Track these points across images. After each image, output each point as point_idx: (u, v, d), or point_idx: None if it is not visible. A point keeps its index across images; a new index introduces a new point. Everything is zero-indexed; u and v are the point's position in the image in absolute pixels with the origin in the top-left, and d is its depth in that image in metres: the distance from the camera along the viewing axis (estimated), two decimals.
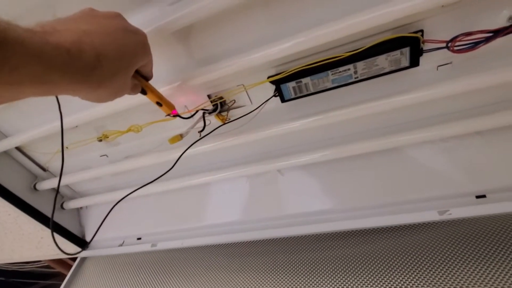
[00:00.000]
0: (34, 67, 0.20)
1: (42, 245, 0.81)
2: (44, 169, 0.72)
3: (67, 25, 0.25)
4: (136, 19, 0.39)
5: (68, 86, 0.24)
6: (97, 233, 0.50)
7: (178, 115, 0.42)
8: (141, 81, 0.35)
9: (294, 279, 0.51)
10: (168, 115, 0.40)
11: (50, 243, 0.79)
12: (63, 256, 0.88)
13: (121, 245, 0.76)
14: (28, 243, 0.81)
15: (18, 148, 0.68)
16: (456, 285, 0.41)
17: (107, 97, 0.29)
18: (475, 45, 0.36)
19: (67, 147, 0.63)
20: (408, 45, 0.38)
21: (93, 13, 0.29)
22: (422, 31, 0.38)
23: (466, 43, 0.36)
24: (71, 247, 0.79)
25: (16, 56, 0.19)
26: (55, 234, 0.74)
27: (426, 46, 0.39)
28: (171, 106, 0.39)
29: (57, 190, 0.51)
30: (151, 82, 0.38)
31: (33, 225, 0.72)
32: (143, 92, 0.37)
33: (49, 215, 0.73)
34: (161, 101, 0.38)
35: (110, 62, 0.26)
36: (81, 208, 0.82)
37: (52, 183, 0.71)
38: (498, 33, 0.35)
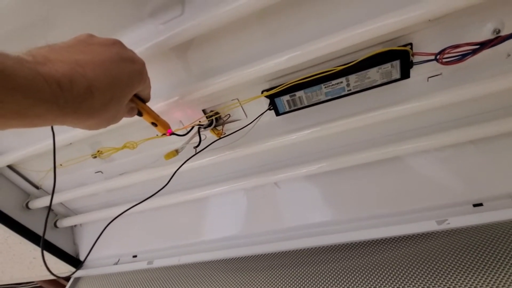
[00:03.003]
0: (20, 101, 0.19)
1: (34, 266, 0.79)
2: (37, 187, 0.71)
3: (60, 54, 0.24)
4: (129, 38, 0.40)
5: (56, 118, 0.23)
6: (91, 251, 0.49)
7: (174, 133, 0.42)
8: (137, 103, 0.35)
9: None
10: (164, 134, 0.40)
11: (42, 263, 0.77)
12: (54, 277, 0.85)
13: (116, 263, 0.74)
14: (19, 264, 0.78)
15: (10, 167, 0.67)
16: None
17: (98, 126, 0.28)
18: (462, 57, 0.37)
19: (61, 165, 0.62)
20: (398, 58, 0.39)
21: (89, 40, 0.28)
22: (411, 44, 0.39)
23: (454, 55, 0.37)
24: (64, 267, 0.77)
25: (0, 90, 0.18)
26: (47, 253, 0.72)
27: (415, 59, 0.40)
28: (166, 126, 0.39)
29: (49, 208, 0.50)
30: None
31: (24, 245, 0.70)
32: (139, 113, 0.37)
33: (42, 234, 0.71)
34: (156, 122, 0.38)
35: (102, 93, 0.25)
36: (75, 226, 0.80)
37: (45, 201, 0.69)
38: (484, 45, 0.36)
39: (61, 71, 0.22)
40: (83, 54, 0.25)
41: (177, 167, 0.48)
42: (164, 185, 0.46)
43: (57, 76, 0.22)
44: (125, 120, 0.48)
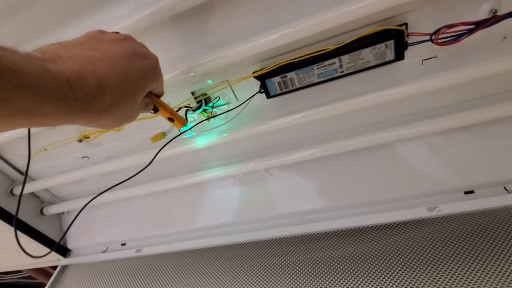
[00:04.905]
0: (27, 98, 0.18)
1: (20, 253, 0.77)
2: (22, 173, 0.69)
3: (70, 51, 0.23)
4: (111, 14, 0.38)
5: (66, 117, 0.22)
6: (66, 234, 0.47)
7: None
8: (153, 98, 0.33)
9: (286, 282, 0.49)
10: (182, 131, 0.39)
11: (28, 250, 0.75)
12: (39, 263, 0.84)
13: (104, 251, 0.73)
14: (5, 252, 0.77)
15: None
16: (447, 283, 0.40)
17: (112, 125, 0.27)
18: (458, 37, 0.36)
19: (45, 149, 0.60)
20: (392, 38, 0.37)
21: (100, 36, 0.27)
22: (406, 24, 0.38)
23: (449, 36, 0.36)
24: (51, 255, 0.75)
25: (7, 86, 0.17)
26: (33, 241, 0.71)
27: (410, 40, 0.39)
28: (183, 121, 0.38)
29: (22, 187, 0.48)
30: None
31: (9, 231, 0.68)
32: (155, 109, 0.35)
33: (27, 221, 0.70)
34: (173, 117, 0.36)
35: (113, 91, 0.24)
36: (62, 213, 0.79)
37: (30, 187, 0.68)
38: (480, 25, 0.35)
39: (71, 68, 0.21)
40: (94, 51, 0.24)
41: (164, 150, 0.47)
42: (145, 166, 0.44)
43: (67, 74, 0.21)
44: None
